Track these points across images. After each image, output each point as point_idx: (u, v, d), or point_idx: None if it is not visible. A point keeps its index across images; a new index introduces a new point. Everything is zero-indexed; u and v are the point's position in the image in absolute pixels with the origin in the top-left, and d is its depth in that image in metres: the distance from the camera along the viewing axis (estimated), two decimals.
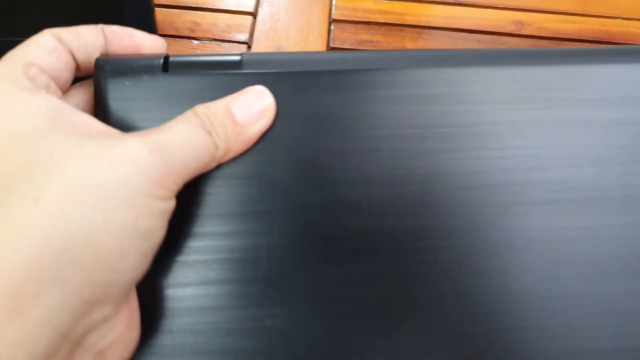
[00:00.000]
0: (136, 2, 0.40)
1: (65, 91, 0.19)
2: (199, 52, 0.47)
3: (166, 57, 0.19)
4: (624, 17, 0.54)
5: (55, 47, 0.18)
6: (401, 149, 0.19)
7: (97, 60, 0.19)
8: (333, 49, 0.49)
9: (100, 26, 0.19)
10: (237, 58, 0.20)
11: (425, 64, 0.20)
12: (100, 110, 0.19)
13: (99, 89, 0.19)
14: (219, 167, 0.19)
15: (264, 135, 0.19)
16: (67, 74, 0.18)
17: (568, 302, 0.20)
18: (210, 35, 0.49)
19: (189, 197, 0.19)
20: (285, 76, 0.19)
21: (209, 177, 0.19)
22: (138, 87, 0.19)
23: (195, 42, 0.48)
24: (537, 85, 0.20)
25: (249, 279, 0.19)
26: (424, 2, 0.54)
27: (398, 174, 0.19)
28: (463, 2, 0.54)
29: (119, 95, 0.19)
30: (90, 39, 0.19)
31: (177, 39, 0.48)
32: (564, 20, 0.54)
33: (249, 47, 0.49)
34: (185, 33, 0.49)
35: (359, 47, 0.50)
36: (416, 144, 0.19)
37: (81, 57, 0.19)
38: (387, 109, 0.19)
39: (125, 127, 0.18)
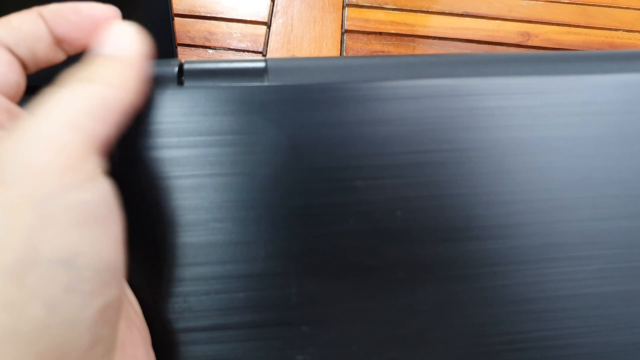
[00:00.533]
0: (156, 12, 0.40)
1: (19, 99, 0.16)
2: None
3: (180, 65, 0.17)
4: (626, 29, 0.56)
5: None
6: (442, 168, 0.18)
7: None
8: None
9: (36, 10, 0.16)
10: (262, 65, 0.17)
11: (478, 71, 0.18)
12: None
13: None
14: (245, 193, 0.17)
15: (293, 157, 0.17)
16: (15, 77, 0.15)
17: (629, 333, 0.19)
18: (225, 45, 0.49)
19: (211, 226, 0.17)
20: (317, 88, 0.17)
21: (233, 204, 0.17)
22: (149, 102, 0.16)
23: (211, 51, 0.48)
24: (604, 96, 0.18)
25: (277, 314, 0.18)
26: (434, 13, 0.55)
27: (438, 195, 0.18)
28: (471, 14, 0.55)
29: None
30: (27, 29, 0.15)
31: (193, 48, 0.48)
32: (569, 32, 0.55)
33: (264, 56, 0.49)
34: (201, 42, 0.49)
35: None
36: (456, 163, 0.18)
37: (23, 52, 0.16)
38: (431, 124, 0.18)
39: (134, 147, 0.17)
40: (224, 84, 0.17)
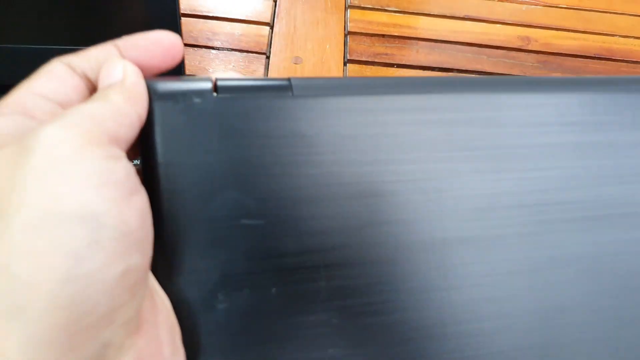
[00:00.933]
0: (164, 11, 0.39)
1: None
2: (218, 62, 0.47)
3: (214, 81, 0.19)
4: (622, 35, 0.57)
5: (59, 72, 0.18)
6: (455, 169, 0.20)
7: None
8: (350, 60, 0.50)
9: (111, 41, 0.19)
10: (286, 82, 0.19)
11: (486, 89, 0.21)
12: (147, 136, 0.18)
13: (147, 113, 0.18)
14: (275, 192, 0.19)
15: (318, 165, 0.19)
16: (76, 96, 0.18)
17: (603, 315, 0.21)
18: (228, 45, 0.48)
19: (242, 223, 0.18)
20: (338, 101, 0.19)
21: (262, 203, 0.18)
22: (188, 111, 0.18)
23: (214, 51, 0.48)
24: (568, 111, 0.21)
25: (308, 307, 0.19)
26: (436, 16, 0.55)
27: (457, 193, 0.20)
28: (472, 17, 0.56)
29: (168, 120, 0.18)
30: (102, 56, 0.18)
31: (196, 48, 0.48)
32: (567, 37, 0.56)
33: (267, 57, 0.48)
34: (203, 42, 0.48)
35: (375, 60, 0.50)
36: (468, 165, 0.20)
37: (95, 76, 0.18)
38: (444, 133, 0.20)
39: (175, 153, 0.18)
40: (255, 95, 0.19)
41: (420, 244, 0.19)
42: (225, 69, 0.47)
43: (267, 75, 0.47)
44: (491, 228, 0.20)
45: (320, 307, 0.19)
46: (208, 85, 0.18)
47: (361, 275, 0.19)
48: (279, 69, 0.48)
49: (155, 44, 0.19)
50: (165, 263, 0.18)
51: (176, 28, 0.39)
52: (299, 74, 0.48)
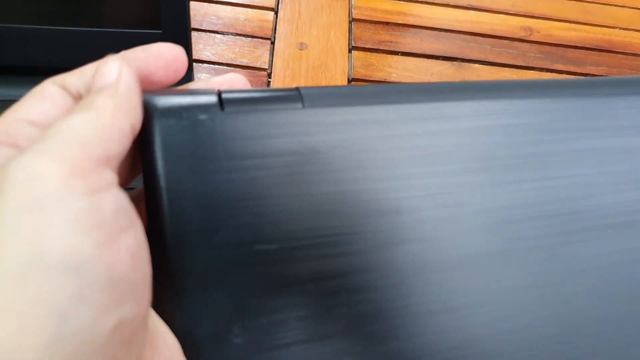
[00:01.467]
0: None
1: None
2: (223, 46, 0.47)
3: (219, 93, 0.17)
4: (622, 27, 0.58)
5: (51, 94, 0.16)
6: (475, 182, 0.19)
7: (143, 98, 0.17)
8: (355, 47, 0.50)
9: (108, 56, 0.17)
10: (295, 93, 0.18)
11: (502, 94, 0.20)
12: (148, 158, 0.16)
13: (147, 131, 0.16)
14: (281, 222, 0.17)
15: (334, 182, 0.18)
16: None
17: (624, 325, 0.20)
18: (233, 30, 0.48)
19: (256, 249, 0.17)
20: (351, 111, 0.18)
21: (275, 227, 0.17)
22: (192, 129, 0.17)
23: (219, 36, 0.47)
24: (586, 115, 0.21)
25: (329, 335, 0.18)
26: (439, 4, 0.55)
27: (470, 210, 0.19)
28: (476, 7, 0.56)
29: (170, 139, 0.16)
30: None
31: (200, 33, 0.47)
32: (569, 29, 0.56)
33: (272, 42, 0.48)
34: (208, 27, 0.48)
35: (380, 47, 0.50)
36: (488, 176, 0.20)
37: None
38: (462, 143, 0.19)
39: (180, 175, 0.16)
40: (263, 108, 0.17)
41: (442, 262, 0.19)
42: (231, 54, 0.46)
43: (273, 60, 0.47)
44: (513, 241, 0.19)
45: (343, 335, 0.18)
46: (213, 99, 0.17)
47: (383, 298, 0.18)
48: (284, 55, 0.47)
49: (156, 58, 0.17)
50: (170, 298, 0.16)
51: (185, 9, 0.39)
52: (304, 61, 0.47)
